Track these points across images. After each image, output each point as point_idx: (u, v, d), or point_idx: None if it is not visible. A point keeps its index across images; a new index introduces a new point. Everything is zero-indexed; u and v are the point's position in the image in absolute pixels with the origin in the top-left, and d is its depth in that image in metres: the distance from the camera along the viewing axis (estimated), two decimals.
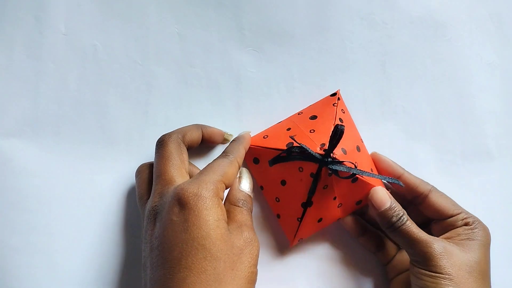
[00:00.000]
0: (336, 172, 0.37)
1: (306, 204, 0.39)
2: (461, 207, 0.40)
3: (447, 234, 0.39)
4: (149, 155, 0.44)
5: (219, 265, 0.31)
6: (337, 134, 0.36)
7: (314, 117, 0.41)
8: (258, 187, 0.43)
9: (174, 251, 0.31)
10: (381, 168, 0.43)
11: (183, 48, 0.46)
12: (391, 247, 0.42)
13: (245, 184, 0.38)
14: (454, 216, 0.39)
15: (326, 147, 0.37)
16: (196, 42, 0.46)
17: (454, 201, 0.41)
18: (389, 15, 0.48)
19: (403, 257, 0.41)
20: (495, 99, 0.48)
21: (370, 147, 0.45)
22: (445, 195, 0.41)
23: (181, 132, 0.39)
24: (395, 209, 0.38)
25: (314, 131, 0.39)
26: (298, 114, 0.44)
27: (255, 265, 0.34)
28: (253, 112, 0.46)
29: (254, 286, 0.34)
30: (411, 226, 0.37)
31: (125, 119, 0.45)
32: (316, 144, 0.38)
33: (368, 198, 0.39)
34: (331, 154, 0.37)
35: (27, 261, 0.42)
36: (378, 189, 0.39)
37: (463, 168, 0.47)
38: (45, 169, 0.43)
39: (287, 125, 0.42)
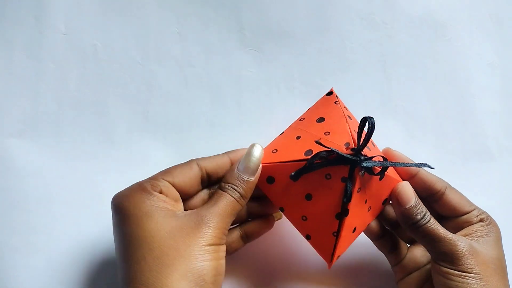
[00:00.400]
0: (370, 169, 0.34)
1: (342, 214, 0.35)
2: (473, 203, 0.39)
3: (464, 231, 0.38)
4: (149, 155, 0.44)
5: (156, 251, 0.31)
6: (370, 127, 0.33)
7: (321, 119, 0.38)
8: (277, 208, 0.39)
9: (116, 248, 0.33)
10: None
11: (183, 48, 0.46)
12: (403, 246, 0.41)
13: (241, 165, 0.35)
14: (469, 212, 0.38)
15: (352, 146, 0.34)
16: (196, 42, 0.46)
17: (466, 198, 0.40)
18: (389, 15, 0.48)
19: (414, 256, 0.40)
20: (495, 99, 0.48)
21: None
22: (459, 192, 0.40)
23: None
24: (419, 206, 0.36)
25: (329, 133, 0.36)
26: (300, 120, 0.40)
27: (208, 243, 0.32)
28: (253, 112, 0.46)
29: (211, 265, 0.32)
30: (435, 224, 0.36)
31: (125, 119, 0.45)
32: (340, 145, 0.34)
33: (393, 195, 0.37)
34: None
35: (27, 261, 0.42)
36: (405, 185, 0.37)
37: (463, 168, 0.47)
38: (45, 169, 0.43)
39: (295, 134, 0.38)
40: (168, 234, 0.31)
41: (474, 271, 0.34)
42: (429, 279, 0.39)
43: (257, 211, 0.39)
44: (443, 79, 0.48)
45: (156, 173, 0.35)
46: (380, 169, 0.34)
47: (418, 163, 0.36)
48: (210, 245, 0.32)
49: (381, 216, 0.40)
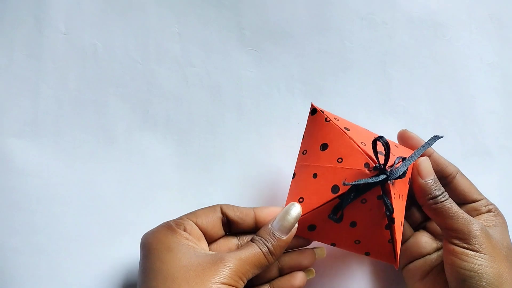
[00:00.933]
0: (399, 177, 0.34)
1: (389, 224, 0.36)
2: (482, 193, 0.40)
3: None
4: (149, 155, 0.44)
5: (169, 282, 0.31)
6: (386, 146, 0.33)
7: (325, 146, 0.37)
8: (327, 245, 0.39)
9: (137, 281, 0.34)
10: (410, 145, 0.41)
11: (183, 48, 0.46)
12: (407, 228, 0.41)
13: (276, 222, 0.35)
14: (477, 201, 0.39)
15: (371, 164, 0.34)
16: (196, 42, 0.46)
17: (476, 187, 0.40)
18: (389, 15, 0.48)
19: (419, 241, 0.40)
20: (495, 99, 0.48)
21: None
22: (469, 180, 0.40)
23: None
24: (437, 184, 0.37)
25: (342, 159, 0.35)
26: (303, 153, 0.39)
27: (221, 281, 0.32)
28: (253, 112, 0.46)
29: None
30: (453, 203, 0.36)
31: (125, 118, 0.45)
32: (360, 169, 0.34)
33: (414, 169, 0.38)
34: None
35: (27, 261, 0.42)
36: (425, 160, 0.38)
37: (463, 168, 0.47)
38: (45, 169, 0.43)
39: (309, 172, 0.37)
40: (184, 268, 0.32)
41: (487, 253, 0.35)
42: (433, 269, 0.39)
43: (289, 265, 0.38)
44: (443, 79, 0.48)
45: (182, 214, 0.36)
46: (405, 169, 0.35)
47: (430, 139, 0.38)
48: (224, 283, 0.31)
49: None
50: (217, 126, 0.45)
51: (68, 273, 0.42)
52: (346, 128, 0.37)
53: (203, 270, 0.32)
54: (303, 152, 0.39)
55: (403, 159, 0.35)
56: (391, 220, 0.35)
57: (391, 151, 0.33)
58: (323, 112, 0.38)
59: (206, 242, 0.36)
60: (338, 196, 0.34)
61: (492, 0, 0.49)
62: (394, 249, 0.36)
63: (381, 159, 0.34)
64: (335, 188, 0.35)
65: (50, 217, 0.43)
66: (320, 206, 0.35)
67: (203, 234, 0.36)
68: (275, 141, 0.46)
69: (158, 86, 0.46)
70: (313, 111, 0.39)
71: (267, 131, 0.46)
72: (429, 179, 0.37)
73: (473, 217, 0.38)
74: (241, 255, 0.33)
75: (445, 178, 0.40)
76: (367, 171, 0.34)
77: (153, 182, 0.44)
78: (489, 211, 0.39)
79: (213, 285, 0.31)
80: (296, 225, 0.35)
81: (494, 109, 0.48)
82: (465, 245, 0.35)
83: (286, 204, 0.37)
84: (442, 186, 0.39)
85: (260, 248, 0.34)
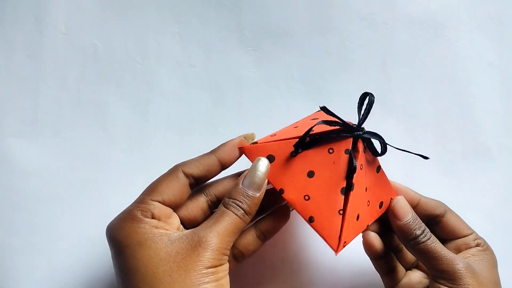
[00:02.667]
0: (371, 145, 0.35)
1: (347, 189, 0.34)
2: (471, 228, 0.39)
3: (461, 254, 0.38)
4: (150, 155, 0.44)
5: (149, 279, 0.30)
6: (368, 103, 0.33)
7: (315, 119, 0.37)
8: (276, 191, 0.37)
9: (116, 280, 0.32)
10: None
11: (184, 48, 0.46)
12: (400, 271, 0.40)
13: (246, 180, 0.33)
14: (467, 236, 0.39)
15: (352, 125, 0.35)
16: (196, 42, 0.46)
17: (464, 221, 0.40)
18: (389, 15, 0.48)
19: (411, 281, 0.40)
20: (495, 99, 0.48)
21: None
22: (457, 215, 0.40)
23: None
24: (417, 222, 0.36)
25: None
26: (294, 126, 0.39)
27: (205, 266, 0.30)
28: (253, 112, 0.46)
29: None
30: (436, 242, 0.35)
31: (125, 118, 0.45)
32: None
33: (389, 208, 0.37)
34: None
35: (27, 262, 0.42)
36: (400, 199, 0.37)
37: (463, 168, 0.47)
38: (45, 169, 0.43)
39: (292, 126, 0.38)
40: (161, 261, 0.30)
41: None
42: None
43: (268, 204, 0.37)
44: (443, 79, 0.48)
45: (143, 191, 0.34)
46: (377, 166, 0.35)
47: (416, 153, 0.37)
48: (208, 267, 0.30)
49: (384, 238, 0.39)
50: (217, 126, 0.45)
51: (68, 273, 0.42)
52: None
53: (183, 258, 0.30)
54: (295, 126, 0.38)
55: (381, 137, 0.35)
56: (350, 185, 0.34)
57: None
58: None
59: (177, 216, 0.34)
60: (306, 133, 0.33)
61: (492, 0, 0.49)
62: (341, 227, 0.34)
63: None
64: (309, 130, 0.34)
65: (50, 217, 0.43)
66: (289, 138, 0.34)
67: (171, 207, 0.34)
68: None
69: (158, 86, 0.46)
70: (324, 108, 0.39)
71: (267, 131, 0.46)
72: (407, 219, 0.36)
73: (462, 250, 0.38)
74: (219, 230, 0.31)
75: (433, 219, 0.39)
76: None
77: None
78: (477, 245, 0.38)
79: (198, 274, 0.30)
80: (267, 180, 0.34)
81: (494, 109, 0.48)
82: (450, 285, 0.34)
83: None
84: (432, 225, 0.39)
85: (236, 213, 0.32)
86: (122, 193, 0.44)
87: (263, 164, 0.34)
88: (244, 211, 0.33)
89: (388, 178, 0.39)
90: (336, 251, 0.34)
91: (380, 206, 0.38)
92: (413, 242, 0.35)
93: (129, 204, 0.33)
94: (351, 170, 0.33)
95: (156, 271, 0.30)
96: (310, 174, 0.34)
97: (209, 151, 0.36)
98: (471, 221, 0.40)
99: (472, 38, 0.49)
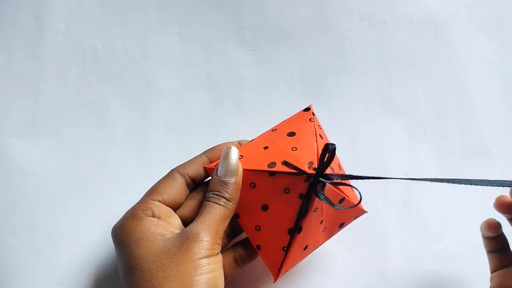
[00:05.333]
0: (324, 195, 0.34)
1: (294, 230, 0.35)
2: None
3: None
4: (150, 155, 0.44)
5: (146, 275, 0.31)
6: (330, 153, 0.32)
7: (292, 134, 0.37)
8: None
9: (120, 277, 0.34)
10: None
11: (183, 48, 0.46)
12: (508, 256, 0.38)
13: (220, 170, 0.35)
14: None
15: (315, 165, 0.34)
16: (196, 42, 0.46)
17: None
18: (389, 15, 0.48)
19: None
20: (495, 99, 0.48)
21: (371, 147, 0.45)
22: None
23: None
24: None
25: (296, 149, 0.35)
26: (272, 130, 0.39)
27: (196, 258, 0.31)
28: (253, 112, 0.46)
29: (208, 276, 0.32)
30: None
31: (125, 118, 0.45)
32: (303, 163, 0.34)
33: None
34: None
35: (27, 262, 0.42)
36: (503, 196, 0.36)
37: (463, 168, 0.47)
38: (45, 169, 0.43)
39: (263, 143, 0.37)
40: (156, 257, 0.31)
41: None
42: None
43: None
44: (443, 79, 0.48)
45: (144, 194, 0.36)
46: (340, 198, 0.35)
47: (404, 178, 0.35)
48: (200, 258, 0.31)
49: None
50: (217, 126, 0.45)
51: (68, 273, 0.42)
52: (320, 136, 0.37)
53: (174, 254, 0.31)
54: (273, 129, 0.39)
55: (342, 177, 0.34)
56: (298, 229, 0.34)
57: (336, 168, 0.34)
58: (313, 115, 0.39)
59: (177, 216, 0.36)
60: (269, 172, 0.34)
61: (492, 0, 0.49)
62: (282, 261, 0.35)
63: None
64: (271, 164, 0.34)
65: (50, 217, 0.43)
66: (250, 170, 0.35)
67: (171, 206, 0.35)
68: None
69: (158, 86, 0.46)
70: (307, 109, 0.40)
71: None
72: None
73: None
74: (205, 221, 0.33)
75: None
76: (306, 167, 0.33)
77: (153, 182, 0.44)
78: None
79: (190, 267, 0.31)
80: (240, 165, 0.35)
81: (494, 109, 0.48)
82: None
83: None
84: None
85: (217, 203, 0.34)
86: (122, 193, 0.44)
87: (233, 152, 0.35)
88: (225, 199, 0.34)
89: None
90: (275, 279, 0.36)
91: (341, 226, 0.38)
92: None
93: (132, 205, 0.35)
94: (300, 215, 0.34)
95: (152, 267, 0.31)
96: (264, 207, 0.35)
97: (201, 152, 0.38)
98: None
99: (472, 38, 0.49)
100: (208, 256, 0.32)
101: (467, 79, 0.48)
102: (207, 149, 0.38)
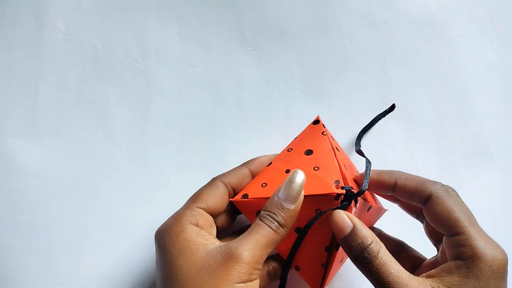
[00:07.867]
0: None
1: (332, 247, 0.35)
2: (470, 222, 0.31)
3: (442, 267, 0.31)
4: (150, 155, 0.44)
5: (185, 285, 0.31)
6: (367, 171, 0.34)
7: (309, 152, 0.37)
8: None
9: (157, 281, 0.34)
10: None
11: (184, 48, 0.46)
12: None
13: (282, 192, 0.33)
14: (456, 236, 0.31)
15: (341, 183, 0.33)
16: (196, 42, 0.46)
17: (463, 210, 0.32)
18: (389, 15, 0.48)
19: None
20: (495, 99, 0.48)
21: (371, 147, 0.45)
22: (456, 198, 0.33)
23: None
24: (361, 236, 0.31)
25: (318, 168, 0.35)
26: (288, 150, 0.39)
27: (235, 281, 0.30)
28: (253, 112, 0.46)
29: None
30: (383, 261, 0.30)
31: (125, 118, 0.45)
32: (329, 182, 0.33)
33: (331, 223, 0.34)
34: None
35: (27, 261, 0.42)
36: (337, 212, 0.33)
37: (463, 168, 0.47)
38: (45, 169, 0.43)
39: (284, 167, 0.37)
40: (196, 271, 0.31)
41: None
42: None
43: None
44: (443, 79, 0.48)
45: (188, 200, 0.36)
46: (368, 207, 0.36)
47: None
48: (237, 283, 0.30)
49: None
50: (217, 126, 0.45)
51: (68, 273, 0.42)
52: (336, 148, 0.38)
53: (214, 271, 0.30)
54: (288, 149, 0.39)
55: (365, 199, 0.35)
56: (336, 245, 0.35)
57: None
58: (324, 127, 0.39)
59: (215, 226, 0.36)
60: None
61: (492, 0, 0.49)
62: (323, 276, 0.35)
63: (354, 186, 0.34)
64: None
65: (50, 217, 0.43)
66: None
67: (212, 215, 0.35)
68: (275, 141, 0.46)
69: (158, 85, 0.46)
70: (316, 121, 0.40)
71: (267, 131, 0.46)
72: (344, 233, 0.32)
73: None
74: (251, 243, 0.31)
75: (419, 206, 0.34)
76: (333, 187, 0.33)
77: (153, 182, 0.44)
78: (460, 256, 0.30)
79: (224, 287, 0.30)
80: (303, 192, 0.33)
81: (494, 109, 0.48)
82: None
83: (250, 186, 0.37)
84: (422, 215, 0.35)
85: (269, 226, 0.32)
86: (122, 193, 0.44)
87: (299, 176, 0.33)
88: (279, 224, 0.32)
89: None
90: None
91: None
92: (356, 262, 0.31)
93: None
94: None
95: (191, 281, 0.31)
96: (298, 230, 0.35)
97: (241, 163, 0.38)
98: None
99: (472, 38, 0.49)
100: (245, 282, 0.31)
101: (467, 79, 0.48)
102: (247, 160, 0.38)
